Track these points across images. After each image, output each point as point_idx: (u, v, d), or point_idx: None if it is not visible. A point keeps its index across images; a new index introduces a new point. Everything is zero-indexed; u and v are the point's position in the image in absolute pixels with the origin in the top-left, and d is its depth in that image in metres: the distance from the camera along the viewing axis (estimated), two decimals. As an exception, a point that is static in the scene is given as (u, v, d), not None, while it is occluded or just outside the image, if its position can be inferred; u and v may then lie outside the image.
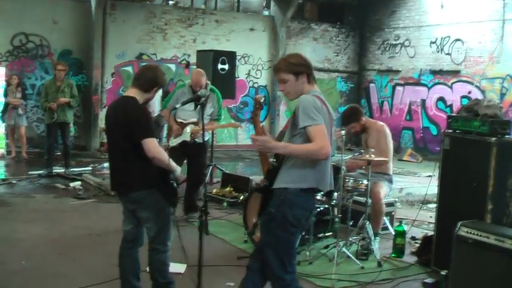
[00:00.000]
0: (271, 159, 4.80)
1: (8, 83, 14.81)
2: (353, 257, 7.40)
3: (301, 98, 4.61)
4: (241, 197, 10.17)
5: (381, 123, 8.85)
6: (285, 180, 4.58)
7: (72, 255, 7.11)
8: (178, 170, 5.35)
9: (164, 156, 5.08)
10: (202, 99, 4.98)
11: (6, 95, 14.74)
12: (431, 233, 7.86)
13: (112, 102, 5.82)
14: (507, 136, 6.72)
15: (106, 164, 14.87)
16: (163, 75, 5.53)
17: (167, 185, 5.13)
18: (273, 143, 4.55)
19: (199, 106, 8.92)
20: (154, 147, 5.03)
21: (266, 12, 21.10)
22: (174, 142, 9.12)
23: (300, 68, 4.70)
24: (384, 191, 8.33)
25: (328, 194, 7.47)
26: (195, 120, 9.06)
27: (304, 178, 4.56)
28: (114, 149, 5.43)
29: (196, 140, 9.03)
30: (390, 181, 8.61)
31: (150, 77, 5.36)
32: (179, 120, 9.13)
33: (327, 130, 4.55)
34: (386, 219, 8.69)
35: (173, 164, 5.19)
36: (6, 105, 14.72)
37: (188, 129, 9.03)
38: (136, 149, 5.04)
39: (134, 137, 5.04)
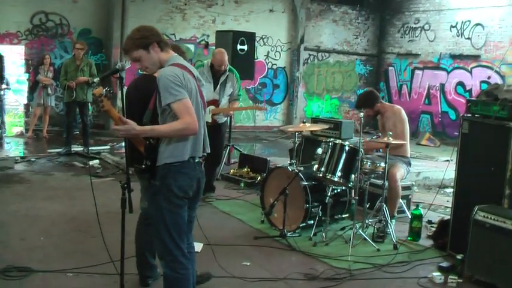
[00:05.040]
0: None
1: (41, 62, 15.05)
2: (369, 239, 7.41)
3: (159, 73, 4.50)
4: (259, 178, 10.23)
5: (398, 106, 8.85)
6: (166, 156, 4.54)
7: (91, 232, 7.18)
8: None
9: None
10: (121, 72, 4.88)
11: (37, 73, 14.92)
12: (447, 217, 7.85)
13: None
14: (527, 121, 6.68)
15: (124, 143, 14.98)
16: (184, 53, 5.53)
17: None
18: (138, 128, 4.44)
19: (219, 86, 9.04)
20: None
21: (286, -6, 21.05)
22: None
23: (146, 40, 4.57)
24: (401, 173, 8.34)
25: (346, 177, 7.52)
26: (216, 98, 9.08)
27: (183, 150, 4.55)
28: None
29: (218, 120, 9.07)
30: (408, 164, 8.62)
31: None
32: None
33: (193, 97, 4.54)
34: (403, 203, 8.70)
35: None
36: (36, 83, 14.93)
37: (208, 110, 9.03)
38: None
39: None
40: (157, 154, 4.59)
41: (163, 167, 4.55)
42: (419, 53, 20.47)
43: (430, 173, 12.21)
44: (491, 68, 17.85)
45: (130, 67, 17.32)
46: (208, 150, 4.90)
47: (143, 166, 4.67)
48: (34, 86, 15.24)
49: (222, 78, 9.10)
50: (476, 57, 18.38)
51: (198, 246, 6.56)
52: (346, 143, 7.68)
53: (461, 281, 6.27)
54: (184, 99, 4.39)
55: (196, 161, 4.69)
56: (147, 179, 4.74)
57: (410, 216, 8.04)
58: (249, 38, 13.18)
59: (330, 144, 7.65)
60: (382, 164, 7.63)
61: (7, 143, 13.95)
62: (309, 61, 21.09)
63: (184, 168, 4.58)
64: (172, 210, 4.59)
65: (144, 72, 4.95)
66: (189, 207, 4.80)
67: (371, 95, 8.79)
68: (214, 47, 13.40)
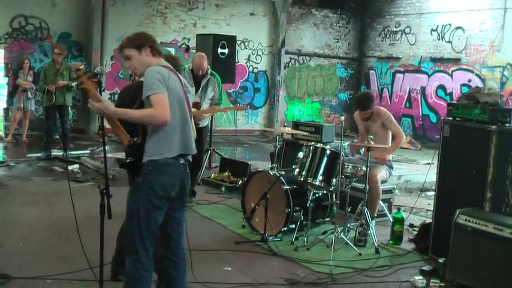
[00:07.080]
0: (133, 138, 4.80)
1: (21, 66, 14.98)
2: (351, 243, 7.40)
3: (146, 70, 4.62)
4: (240, 182, 10.18)
5: (383, 109, 8.82)
6: (152, 153, 4.59)
7: (70, 238, 7.09)
8: None
9: None
10: (99, 76, 4.92)
11: (17, 77, 14.84)
12: (429, 220, 7.85)
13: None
14: (507, 124, 6.69)
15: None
16: (181, 66, 5.56)
17: None
18: (111, 108, 4.52)
19: (200, 89, 9.02)
20: None
21: (267, -3, 21.05)
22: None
23: (140, 41, 4.77)
24: (382, 174, 8.36)
25: (328, 180, 7.49)
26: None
27: (169, 147, 4.60)
28: None
29: (200, 123, 9.00)
30: (390, 167, 8.63)
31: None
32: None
33: (175, 97, 4.61)
34: (384, 206, 8.70)
35: None
36: (16, 87, 14.84)
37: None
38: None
39: None
40: (142, 152, 4.64)
41: (148, 164, 4.59)
42: (400, 56, 20.55)
43: (411, 176, 12.23)
44: (471, 72, 17.95)
45: (110, 70, 17.33)
46: (194, 152, 4.90)
47: (127, 161, 4.79)
48: (14, 90, 15.17)
49: (204, 82, 9.10)
50: (456, 61, 18.48)
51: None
52: (327, 146, 7.66)
53: (443, 284, 6.24)
54: (161, 93, 4.48)
55: (181, 162, 4.72)
56: (131, 176, 4.78)
57: (391, 220, 8.02)
58: (230, 41, 13.15)
59: (311, 148, 7.62)
60: (364, 168, 7.62)
61: (-14, 147, 13.84)
62: (290, 65, 21.09)
63: (168, 167, 4.62)
64: (149, 209, 4.58)
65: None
66: (174, 209, 4.81)
67: (371, 95, 8.82)
68: (195, 51, 13.35)
